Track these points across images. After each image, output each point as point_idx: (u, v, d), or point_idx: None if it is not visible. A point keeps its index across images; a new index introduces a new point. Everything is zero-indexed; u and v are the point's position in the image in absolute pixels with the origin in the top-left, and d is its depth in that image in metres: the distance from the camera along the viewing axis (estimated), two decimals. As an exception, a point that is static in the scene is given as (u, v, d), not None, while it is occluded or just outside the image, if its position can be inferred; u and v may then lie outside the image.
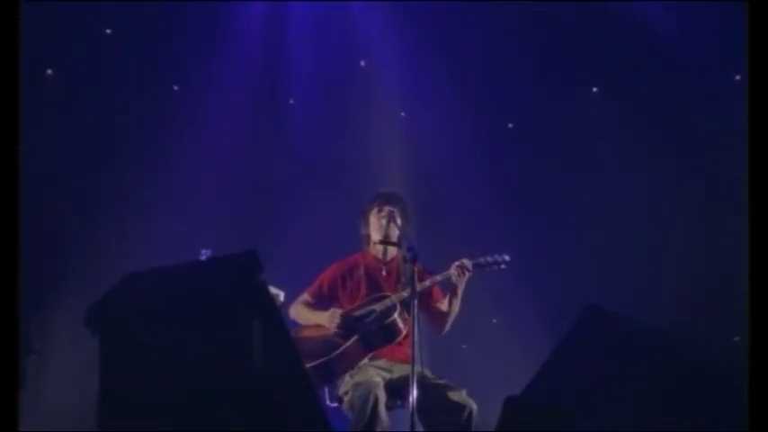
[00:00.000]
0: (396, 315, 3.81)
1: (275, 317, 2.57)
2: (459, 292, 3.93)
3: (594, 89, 5.86)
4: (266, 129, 6.02)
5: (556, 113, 5.85)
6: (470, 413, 3.57)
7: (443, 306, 3.99)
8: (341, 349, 3.78)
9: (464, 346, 5.79)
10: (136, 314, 2.47)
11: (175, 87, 5.82)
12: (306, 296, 4.12)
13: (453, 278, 3.89)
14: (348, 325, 3.87)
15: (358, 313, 3.92)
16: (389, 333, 3.82)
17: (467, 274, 3.90)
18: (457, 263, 3.91)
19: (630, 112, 5.59)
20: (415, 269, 3.59)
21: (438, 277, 3.92)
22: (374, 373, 3.74)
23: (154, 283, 2.61)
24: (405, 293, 3.84)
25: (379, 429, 3.49)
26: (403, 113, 6.16)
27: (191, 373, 2.40)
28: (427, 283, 3.90)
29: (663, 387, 2.57)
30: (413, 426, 3.27)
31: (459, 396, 3.64)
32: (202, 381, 2.39)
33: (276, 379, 2.42)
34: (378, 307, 3.90)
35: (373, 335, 3.82)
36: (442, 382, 3.73)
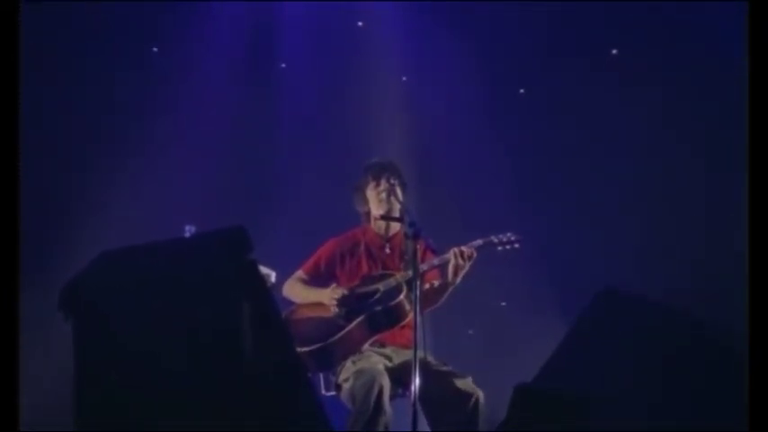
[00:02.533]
0: (402, 296, 3.79)
1: (266, 299, 2.56)
2: (450, 287, 3.80)
3: (614, 51, 5.82)
4: (254, 96, 5.99)
5: (572, 77, 5.80)
6: (477, 401, 3.58)
7: (429, 292, 3.86)
8: (343, 332, 3.76)
9: (470, 332, 5.82)
10: (112, 296, 2.46)
11: (155, 49, 5.79)
12: (300, 273, 4.11)
13: (449, 268, 3.78)
14: (350, 304, 3.85)
15: (361, 291, 3.91)
16: (395, 315, 3.80)
17: (466, 266, 3.77)
18: (455, 249, 3.78)
19: (655, 76, 5.56)
20: (418, 246, 3.58)
21: (435, 261, 3.82)
22: (377, 360, 3.74)
23: (132, 261, 2.60)
24: (410, 272, 3.81)
25: (382, 421, 3.48)
26: (404, 78, 6.13)
27: (172, 361, 2.40)
28: (434, 262, 3.84)
29: (682, 374, 2.58)
30: (415, 416, 3.28)
31: (465, 383, 3.65)
32: (185, 368, 2.39)
33: (266, 366, 2.42)
34: (382, 286, 3.88)
35: (377, 317, 3.79)
36: (446, 368, 3.74)
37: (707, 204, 5.38)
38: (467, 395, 3.60)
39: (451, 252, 3.80)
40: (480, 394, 3.60)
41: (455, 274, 3.78)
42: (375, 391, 3.48)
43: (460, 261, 3.77)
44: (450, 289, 3.86)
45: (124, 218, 5.21)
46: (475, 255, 3.81)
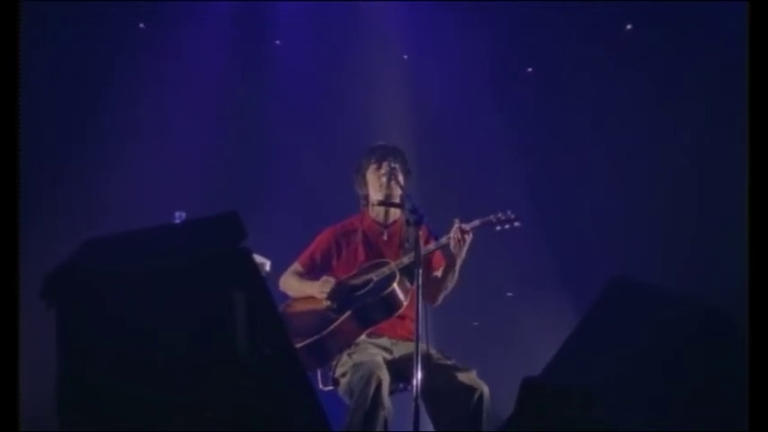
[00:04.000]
0: (395, 284, 3.80)
1: (260, 288, 2.56)
2: (459, 261, 3.85)
3: (628, 26, 5.79)
4: (248, 74, 5.97)
5: (583, 55, 5.77)
6: (481, 396, 3.58)
7: (438, 277, 3.94)
8: (333, 325, 3.78)
9: (475, 323, 5.82)
10: (98, 285, 2.45)
11: (141, 25, 5.76)
12: (296, 266, 4.12)
13: (451, 245, 3.81)
14: (341, 296, 3.87)
15: (353, 282, 3.92)
16: (388, 305, 3.81)
17: (467, 240, 3.80)
18: (455, 226, 3.82)
19: (668, 54, 5.54)
20: (420, 233, 3.58)
21: (443, 240, 3.86)
22: (376, 352, 3.75)
23: (120, 249, 2.59)
24: (405, 259, 3.83)
25: (381, 416, 3.48)
26: (406, 56, 6.11)
27: (161, 354, 2.40)
28: (431, 247, 3.87)
29: (696, 366, 2.58)
30: (417, 411, 3.29)
31: (469, 377, 3.65)
32: (176, 361, 2.39)
33: (261, 359, 2.42)
34: (375, 275, 3.89)
35: (370, 308, 3.81)
36: (449, 362, 3.75)
37: (721, 190, 5.38)
38: (471, 390, 3.60)
39: (452, 230, 3.81)
40: (485, 389, 3.61)
41: (453, 254, 3.80)
42: (373, 384, 3.49)
43: (458, 234, 3.78)
44: (459, 264, 3.86)
45: (110, 204, 5.20)
46: (470, 236, 3.81)
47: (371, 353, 3.73)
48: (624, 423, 2.48)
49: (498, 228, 3.88)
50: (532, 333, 5.39)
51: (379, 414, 3.48)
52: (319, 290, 3.90)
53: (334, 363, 3.79)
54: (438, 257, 4.02)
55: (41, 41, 5.22)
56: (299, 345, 3.70)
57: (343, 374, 3.70)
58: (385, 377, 3.55)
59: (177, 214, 3.92)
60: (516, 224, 3.87)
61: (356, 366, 3.64)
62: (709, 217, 5.30)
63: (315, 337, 3.75)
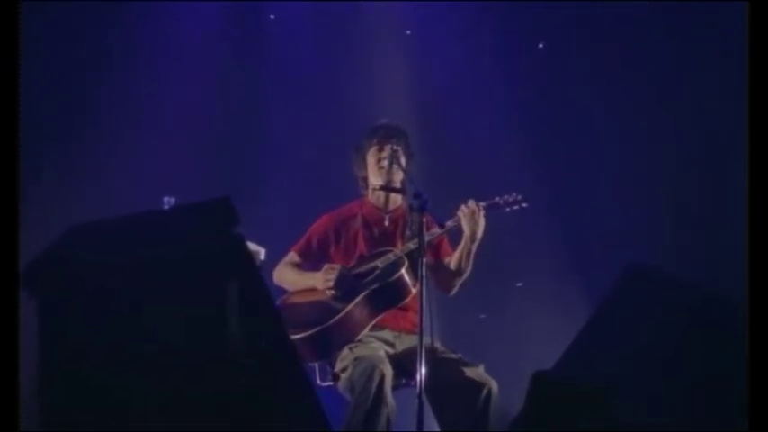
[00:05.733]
0: (403, 270, 3.81)
1: (254, 278, 2.56)
2: (473, 245, 3.85)
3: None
4: (240, 51, 5.95)
5: (596, 30, 5.75)
6: (489, 393, 3.59)
7: (452, 262, 3.96)
8: (340, 315, 3.77)
9: (482, 316, 5.83)
10: (82, 275, 2.46)
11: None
12: (292, 255, 4.12)
13: (463, 224, 3.83)
14: (346, 284, 3.86)
15: (358, 270, 3.92)
16: (396, 292, 3.82)
17: (480, 220, 3.83)
18: (464, 206, 3.84)
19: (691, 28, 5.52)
20: (424, 220, 3.58)
21: (449, 223, 3.87)
22: (378, 346, 3.75)
23: (104, 237, 2.59)
24: (411, 244, 3.83)
25: (384, 413, 3.49)
26: (408, 32, 6.09)
27: (150, 347, 2.41)
28: (436, 231, 3.86)
29: (724, 362, 2.58)
30: (420, 408, 3.29)
31: (477, 373, 3.66)
32: (164, 355, 2.39)
33: (255, 352, 2.42)
34: (380, 263, 3.89)
35: (377, 296, 3.81)
36: (455, 356, 3.75)
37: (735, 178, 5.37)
38: (478, 386, 3.61)
39: (460, 209, 3.83)
40: (494, 385, 3.62)
41: (469, 228, 3.81)
42: (376, 379, 3.49)
43: (466, 211, 3.81)
44: (473, 247, 3.87)
45: (93, 189, 5.19)
46: (480, 208, 3.84)
47: (374, 347, 3.74)
48: (642, 422, 2.48)
49: (507, 209, 3.90)
50: (543, 326, 5.39)
51: (381, 411, 3.48)
52: (323, 279, 3.89)
53: (335, 357, 3.78)
54: (445, 246, 4.03)
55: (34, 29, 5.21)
56: (301, 336, 3.69)
57: (344, 369, 3.70)
58: (388, 372, 3.55)
59: (166, 200, 3.91)
60: (524, 205, 3.91)
61: (357, 360, 3.63)
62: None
63: (318, 328, 3.74)
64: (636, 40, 5.69)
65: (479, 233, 3.85)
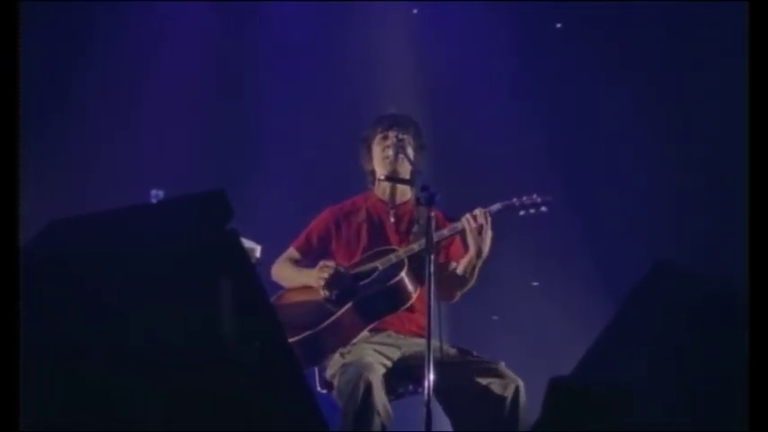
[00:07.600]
0: (402, 274, 3.78)
1: (249, 276, 2.56)
2: (480, 255, 3.77)
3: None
4: (236, 33, 5.96)
5: (620, 8, 5.73)
6: (517, 390, 3.56)
7: (458, 268, 3.88)
8: (331, 319, 3.77)
9: (495, 317, 5.83)
10: (63, 273, 2.46)
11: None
12: (291, 250, 4.13)
13: (469, 239, 3.76)
14: (341, 285, 3.84)
15: (355, 271, 3.91)
16: (394, 298, 3.80)
17: (487, 236, 3.75)
18: (470, 216, 3.76)
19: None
20: (433, 215, 3.56)
21: (446, 232, 3.82)
22: (368, 352, 3.70)
23: (88, 232, 2.59)
24: (416, 246, 3.81)
25: (377, 422, 3.47)
26: (415, 11, 6.09)
27: (138, 349, 2.41)
28: (444, 233, 3.83)
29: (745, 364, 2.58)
30: (429, 416, 3.26)
31: (499, 372, 3.63)
32: (153, 357, 2.40)
33: (250, 355, 2.43)
34: (381, 264, 3.87)
35: (373, 300, 3.79)
36: (472, 357, 3.72)
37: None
38: (504, 385, 3.58)
39: (464, 219, 3.78)
40: (520, 382, 3.58)
41: (475, 244, 3.76)
42: (361, 387, 3.47)
43: (473, 224, 3.75)
44: (479, 263, 3.82)
45: (75, 182, 5.21)
46: (488, 219, 3.76)
47: (363, 353, 3.68)
48: (663, 425, 2.49)
49: (522, 212, 3.85)
50: (560, 328, 5.39)
51: (372, 420, 3.46)
52: (316, 277, 3.87)
53: (330, 362, 3.78)
54: (457, 247, 3.98)
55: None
56: (292, 340, 3.68)
57: (333, 376, 3.70)
58: (376, 379, 3.52)
59: (154, 193, 3.92)
60: (543, 209, 3.84)
61: (344, 367, 3.63)
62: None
63: (308, 332, 3.73)
64: (636, 40, 5.70)
65: (486, 250, 3.78)
